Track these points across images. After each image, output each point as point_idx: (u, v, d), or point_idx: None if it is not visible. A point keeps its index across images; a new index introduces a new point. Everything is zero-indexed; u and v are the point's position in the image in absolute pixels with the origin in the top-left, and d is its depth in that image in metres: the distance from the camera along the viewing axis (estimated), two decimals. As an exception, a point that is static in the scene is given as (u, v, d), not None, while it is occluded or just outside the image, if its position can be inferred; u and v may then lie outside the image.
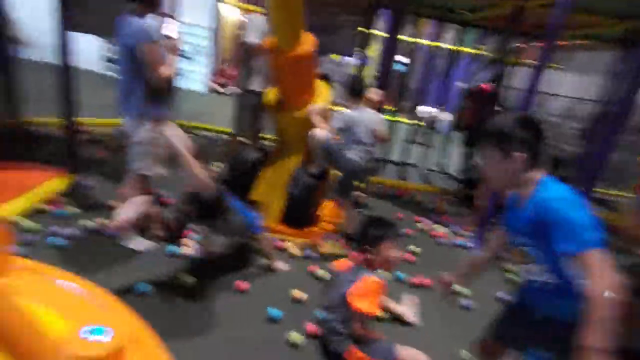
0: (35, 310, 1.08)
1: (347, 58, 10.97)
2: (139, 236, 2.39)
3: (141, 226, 1.83)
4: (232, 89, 7.59)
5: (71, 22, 2.71)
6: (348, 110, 2.82)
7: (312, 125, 2.71)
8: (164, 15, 2.33)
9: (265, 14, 3.26)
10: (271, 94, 2.91)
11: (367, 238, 1.73)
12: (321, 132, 2.67)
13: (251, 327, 1.92)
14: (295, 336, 1.84)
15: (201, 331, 1.84)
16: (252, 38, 3.46)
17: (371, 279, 1.66)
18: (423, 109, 6.55)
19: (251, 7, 5.45)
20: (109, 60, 8.06)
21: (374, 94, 3.01)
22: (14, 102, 3.60)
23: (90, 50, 7.55)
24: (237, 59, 5.08)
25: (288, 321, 1.98)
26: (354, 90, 2.83)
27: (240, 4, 9.01)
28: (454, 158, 5.54)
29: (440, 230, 3.50)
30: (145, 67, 2.04)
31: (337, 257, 2.63)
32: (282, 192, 2.83)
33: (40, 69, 4.05)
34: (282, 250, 2.67)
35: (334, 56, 11.14)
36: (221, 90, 9.54)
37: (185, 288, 2.11)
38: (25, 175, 2.83)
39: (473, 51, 5.75)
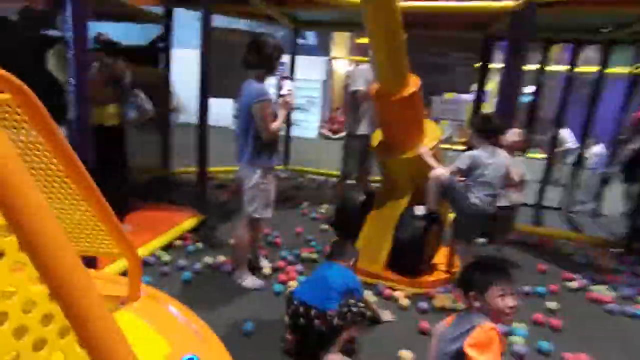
0: (150, 333, 1.18)
1: (463, 96, 10.40)
2: (250, 274, 2.54)
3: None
4: (342, 134, 7.95)
5: (211, 89, 3.25)
6: (475, 150, 2.55)
7: (420, 167, 2.56)
8: (280, 77, 2.60)
9: (370, 62, 3.36)
10: (378, 137, 2.89)
11: (472, 283, 1.44)
12: (441, 171, 2.50)
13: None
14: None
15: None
16: (359, 86, 3.61)
17: (488, 325, 1.33)
18: (568, 136, 5.85)
19: (358, 57, 5.74)
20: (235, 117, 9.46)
21: (511, 135, 2.78)
22: (166, 156, 4.46)
23: (224, 110, 9.03)
24: (346, 106, 5.33)
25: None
26: (484, 130, 2.57)
27: (348, 56, 9.67)
28: (611, 200, 4.51)
29: (602, 292, 2.74)
30: (256, 123, 2.28)
31: (452, 311, 2.30)
32: (389, 235, 2.68)
33: (184, 128, 4.93)
34: (390, 299, 2.47)
35: (448, 95, 10.72)
36: (332, 136, 10.12)
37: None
38: (169, 214, 3.35)
39: (626, 71, 4.70)
